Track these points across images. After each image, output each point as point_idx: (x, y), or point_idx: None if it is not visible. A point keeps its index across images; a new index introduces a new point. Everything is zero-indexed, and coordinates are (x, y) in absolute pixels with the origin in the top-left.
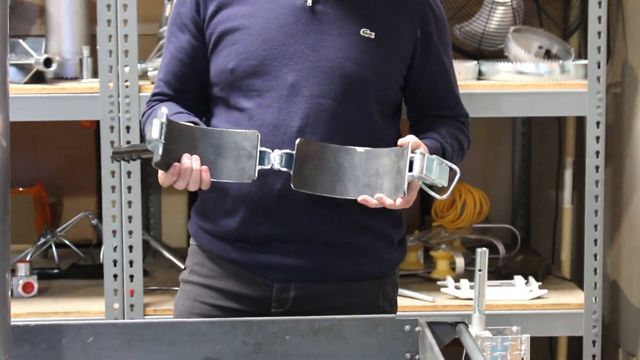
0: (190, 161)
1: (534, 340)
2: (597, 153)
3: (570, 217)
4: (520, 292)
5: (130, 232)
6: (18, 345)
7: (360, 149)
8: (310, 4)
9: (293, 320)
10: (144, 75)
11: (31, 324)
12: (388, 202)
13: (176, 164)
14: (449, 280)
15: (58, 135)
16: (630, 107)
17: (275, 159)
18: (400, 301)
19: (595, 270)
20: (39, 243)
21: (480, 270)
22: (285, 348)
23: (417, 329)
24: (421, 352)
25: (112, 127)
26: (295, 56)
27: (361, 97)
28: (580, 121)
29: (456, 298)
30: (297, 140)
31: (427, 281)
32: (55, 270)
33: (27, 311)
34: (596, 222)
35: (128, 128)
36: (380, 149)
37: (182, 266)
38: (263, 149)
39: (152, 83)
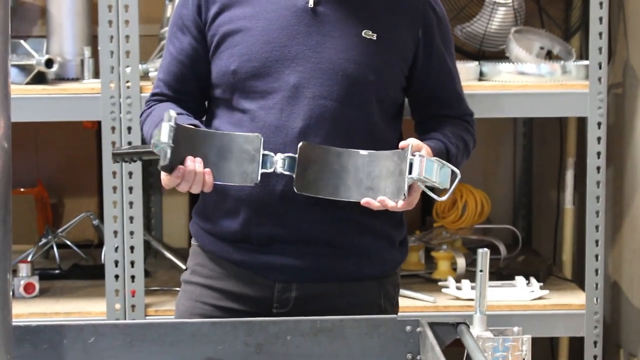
0: (193, 164)
1: (535, 341)
2: (599, 154)
3: (571, 217)
4: (522, 292)
5: (132, 233)
6: (19, 345)
7: (363, 152)
8: (312, 6)
9: (294, 321)
10: (145, 76)
11: (32, 325)
12: (390, 204)
13: (180, 166)
14: (450, 281)
15: (59, 136)
16: (631, 108)
17: (278, 162)
18: (402, 302)
19: (596, 271)
20: (40, 243)
21: (481, 270)
22: (287, 348)
23: (419, 329)
24: (422, 352)
25: (113, 128)
26: (297, 58)
27: (363, 99)
28: (582, 122)
29: (457, 299)
30: (300, 144)
31: (428, 282)
32: (57, 271)
33: (28, 311)
34: (597, 223)
35: (129, 129)
36: (383, 151)
37: (183, 267)
38: (266, 152)
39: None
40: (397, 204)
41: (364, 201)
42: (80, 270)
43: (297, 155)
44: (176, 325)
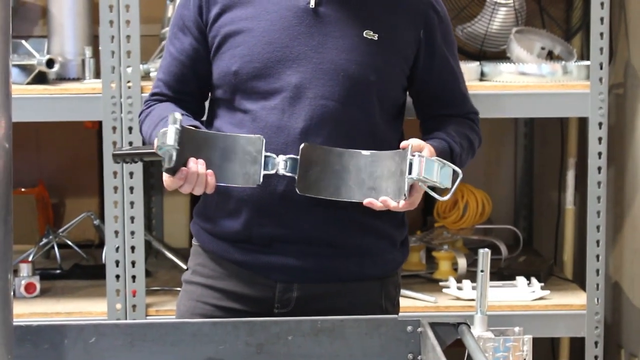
0: (196, 165)
1: (536, 341)
2: (600, 154)
3: (572, 218)
4: (523, 293)
5: (133, 233)
6: (20, 345)
7: (365, 152)
8: (313, 6)
9: (295, 321)
10: (146, 76)
11: (33, 325)
12: (392, 204)
13: (183, 168)
14: (451, 281)
15: (60, 136)
16: (632, 108)
17: (280, 164)
18: (403, 302)
19: (597, 271)
20: (41, 243)
21: (482, 271)
22: (288, 348)
23: (419, 329)
24: (423, 352)
25: (114, 128)
26: (299, 58)
27: (364, 99)
28: (583, 122)
29: (458, 299)
30: (302, 145)
31: (429, 282)
32: (58, 271)
33: (29, 311)
34: (598, 223)
35: (130, 129)
36: (385, 151)
37: (184, 267)
38: (268, 154)
39: None
40: (398, 204)
41: (366, 201)
42: (81, 270)
43: (299, 157)
44: (177, 325)
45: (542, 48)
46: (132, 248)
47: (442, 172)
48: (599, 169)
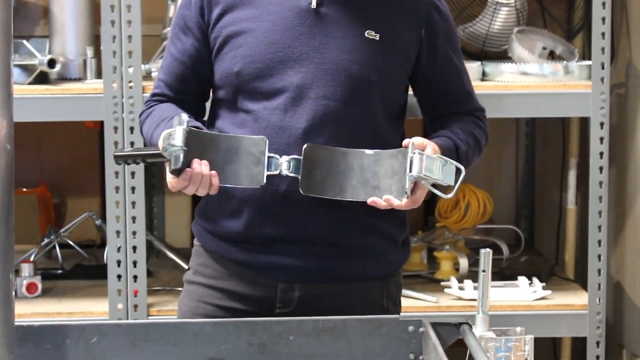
0: (200, 166)
1: (538, 341)
2: (601, 154)
3: (574, 218)
4: (524, 292)
5: (134, 233)
6: (22, 345)
7: (369, 151)
8: (315, 6)
9: (297, 321)
10: (147, 76)
11: (35, 324)
12: (396, 203)
13: (187, 169)
14: (453, 281)
15: (62, 136)
16: (634, 108)
17: (283, 164)
18: (404, 302)
19: (599, 271)
20: (42, 243)
21: (484, 271)
22: (290, 348)
23: (421, 329)
24: (425, 352)
25: (115, 128)
26: (301, 58)
27: (366, 99)
28: (584, 122)
29: (460, 299)
30: (305, 146)
31: (430, 282)
32: (59, 271)
33: (31, 311)
34: (600, 223)
35: (132, 129)
36: (388, 150)
37: (186, 266)
38: (271, 154)
39: None
40: (402, 202)
41: (370, 200)
42: (83, 270)
43: (302, 157)
44: (179, 325)
45: (544, 48)
46: (134, 248)
47: (445, 169)
48: (601, 168)
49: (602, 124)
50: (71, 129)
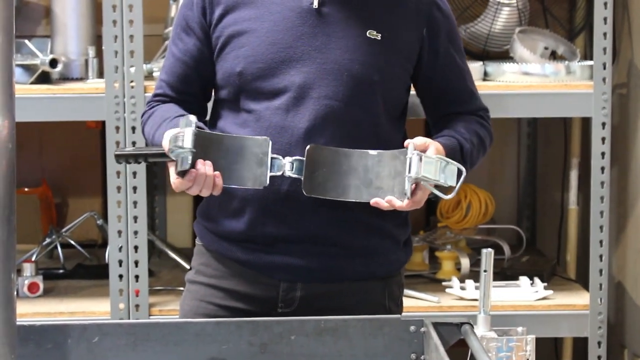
0: (204, 167)
1: (539, 341)
2: (603, 154)
3: (575, 218)
4: (526, 292)
5: (136, 233)
6: (23, 345)
7: (372, 152)
8: (317, 6)
9: (298, 321)
10: (149, 76)
11: (37, 324)
12: (397, 204)
13: (192, 170)
14: (454, 281)
15: (63, 136)
16: (635, 108)
17: (286, 165)
18: (406, 302)
19: (600, 271)
20: (44, 243)
21: (485, 270)
22: (291, 348)
23: (423, 329)
24: (426, 352)
25: (117, 128)
26: (303, 58)
27: (368, 99)
28: (586, 122)
29: (461, 299)
30: (307, 147)
31: (432, 282)
32: (61, 271)
33: (32, 311)
34: (602, 223)
35: (133, 128)
36: (391, 150)
37: (187, 266)
38: (274, 155)
39: None
40: (403, 204)
41: (373, 202)
42: (84, 269)
43: (304, 158)
44: (180, 325)
45: (546, 48)
46: (135, 248)
47: (446, 170)
48: (602, 169)
49: (603, 124)
50: (73, 129)
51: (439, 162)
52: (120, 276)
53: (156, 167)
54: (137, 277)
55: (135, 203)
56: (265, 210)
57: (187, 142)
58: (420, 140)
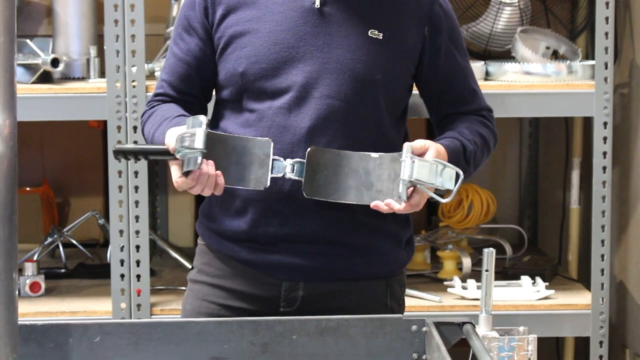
0: (207, 166)
1: (541, 341)
2: (605, 154)
3: (577, 217)
4: (527, 292)
5: (137, 232)
6: (25, 344)
7: (374, 155)
8: (319, 6)
9: (300, 320)
10: (151, 75)
11: (38, 324)
12: (396, 207)
13: (195, 169)
14: (456, 281)
15: (65, 135)
16: (637, 108)
17: (287, 167)
18: (407, 301)
19: (602, 270)
20: (46, 243)
21: (487, 270)
22: (292, 348)
23: (424, 329)
24: (428, 352)
25: (119, 127)
26: (305, 58)
27: (370, 98)
28: (588, 122)
29: (463, 298)
30: (309, 149)
31: (434, 281)
32: (62, 270)
33: (34, 310)
34: (603, 223)
35: (135, 128)
36: (392, 153)
37: (189, 266)
38: (276, 157)
39: None
40: (401, 207)
41: (373, 204)
42: (86, 269)
43: (305, 161)
44: (182, 325)
45: (547, 47)
46: (137, 247)
47: (443, 173)
48: (604, 168)
49: (605, 124)
50: (74, 129)
51: (434, 166)
52: (122, 276)
53: (158, 167)
54: (138, 276)
55: (136, 202)
56: (268, 209)
57: (199, 142)
58: (419, 142)
